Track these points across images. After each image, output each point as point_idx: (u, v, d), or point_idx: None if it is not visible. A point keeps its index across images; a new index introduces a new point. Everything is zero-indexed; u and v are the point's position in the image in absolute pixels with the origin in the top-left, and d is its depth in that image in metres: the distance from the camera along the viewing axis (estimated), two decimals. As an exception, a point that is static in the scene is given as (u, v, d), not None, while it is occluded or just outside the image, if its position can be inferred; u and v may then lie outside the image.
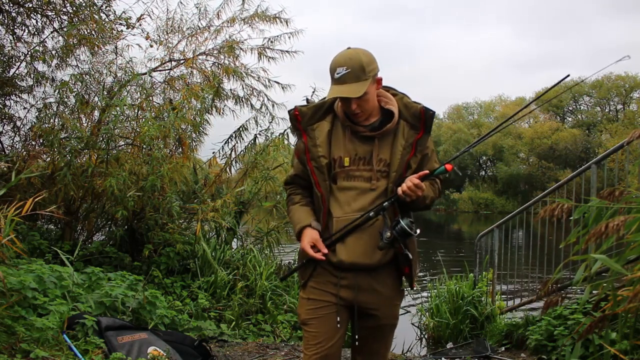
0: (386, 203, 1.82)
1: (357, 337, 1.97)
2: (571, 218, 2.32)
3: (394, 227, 1.80)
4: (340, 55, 1.83)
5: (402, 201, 1.83)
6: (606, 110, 47.12)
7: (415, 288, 2.06)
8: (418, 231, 1.82)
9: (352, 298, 1.91)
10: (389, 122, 1.88)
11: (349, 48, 1.85)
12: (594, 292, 2.95)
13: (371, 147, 1.88)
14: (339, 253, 1.86)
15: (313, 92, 6.44)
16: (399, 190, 1.80)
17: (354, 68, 1.79)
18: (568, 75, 1.64)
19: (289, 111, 1.97)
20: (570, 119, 48.85)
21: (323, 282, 1.92)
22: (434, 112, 1.88)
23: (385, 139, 1.89)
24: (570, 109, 49.08)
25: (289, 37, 6.67)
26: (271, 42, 6.68)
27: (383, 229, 1.82)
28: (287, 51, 6.75)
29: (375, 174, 1.87)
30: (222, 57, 6.40)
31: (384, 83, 1.93)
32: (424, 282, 8.78)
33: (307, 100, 2.07)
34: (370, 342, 2.00)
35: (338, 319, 1.91)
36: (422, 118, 1.87)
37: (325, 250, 1.85)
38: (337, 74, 1.80)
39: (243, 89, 6.65)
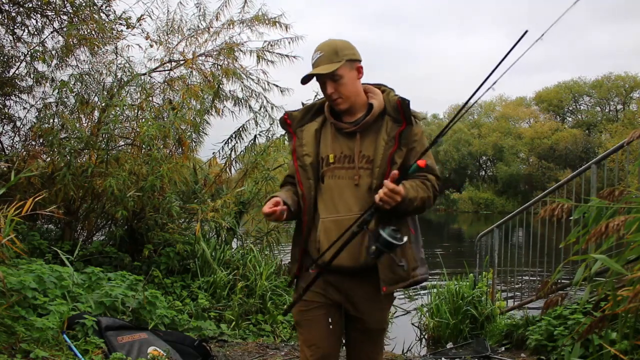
0: (367, 215, 1.73)
1: (344, 340, 1.99)
2: (571, 218, 2.32)
3: (377, 239, 1.70)
4: (318, 44, 1.89)
5: (387, 209, 1.72)
6: (606, 110, 47.14)
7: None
8: (405, 239, 1.71)
9: (340, 299, 1.91)
10: (374, 118, 1.88)
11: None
12: (594, 292, 2.95)
13: (355, 144, 1.88)
14: (325, 255, 1.83)
15: (315, 96, 6.44)
16: (376, 198, 1.71)
17: (327, 51, 1.84)
18: (527, 31, 1.55)
19: (280, 118, 2.02)
20: (570, 119, 48.87)
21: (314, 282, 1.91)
22: (409, 101, 1.84)
23: (369, 135, 1.88)
24: (570, 109, 49.08)
25: (289, 42, 6.68)
26: (271, 45, 6.68)
27: (369, 242, 1.75)
28: (286, 55, 6.76)
29: (358, 171, 1.85)
30: (221, 58, 6.40)
31: (384, 83, 1.94)
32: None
33: (303, 105, 2.08)
34: (359, 344, 1.99)
35: (330, 319, 1.91)
36: (400, 109, 1.84)
37: (281, 209, 1.82)
38: (313, 59, 1.86)
39: (242, 90, 6.67)
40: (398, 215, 1.81)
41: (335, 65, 1.82)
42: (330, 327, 1.91)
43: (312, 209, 1.90)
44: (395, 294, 2.01)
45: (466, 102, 1.74)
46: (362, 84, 1.94)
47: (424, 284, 2.05)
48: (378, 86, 1.97)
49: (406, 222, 1.89)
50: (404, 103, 1.83)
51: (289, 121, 1.98)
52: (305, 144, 1.92)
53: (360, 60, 1.91)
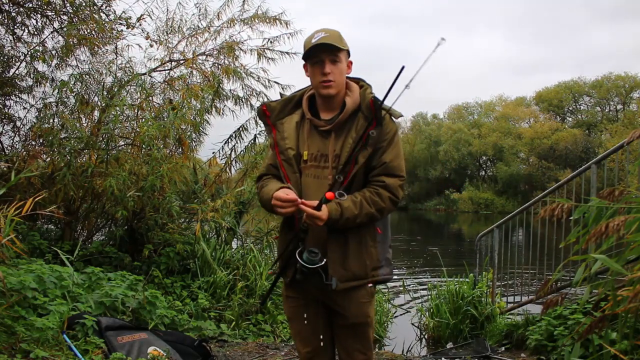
0: (301, 232, 1.80)
1: (317, 332, 1.99)
2: (571, 218, 2.32)
3: (299, 260, 1.78)
4: (320, 28, 1.87)
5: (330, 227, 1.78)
6: (606, 110, 47.10)
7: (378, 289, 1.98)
8: (324, 261, 1.78)
9: (319, 295, 1.93)
10: (347, 116, 1.87)
11: None
12: (594, 292, 2.95)
13: (329, 142, 1.88)
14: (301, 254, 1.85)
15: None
16: (304, 218, 1.77)
17: (332, 34, 1.84)
18: (403, 67, 1.60)
19: (257, 108, 2.01)
20: (570, 119, 48.80)
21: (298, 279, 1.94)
22: (381, 102, 1.79)
23: (342, 133, 1.87)
24: (570, 109, 49.05)
25: (289, 38, 6.67)
26: (271, 42, 6.68)
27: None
28: (287, 52, 6.75)
29: (331, 171, 1.85)
30: (222, 57, 6.40)
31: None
32: (424, 282, 8.78)
33: (281, 95, 2.06)
34: (344, 340, 2.00)
35: (305, 315, 1.95)
36: (372, 109, 1.82)
37: (298, 200, 1.75)
38: (315, 38, 1.82)
39: (243, 89, 6.66)
40: (343, 229, 1.82)
41: (342, 46, 1.83)
42: (306, 321, 1.95)
43: None
44: (371, 288, 1.95)
45: (359, 139, 1.79)
46: None
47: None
48: (356, 81, 1.96)
49: (372, 224, 1.89)
50: (376, 104, 1.81)
51: (267, 112, 1.95)
52: (287, 137, 1.91)
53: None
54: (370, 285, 1.93)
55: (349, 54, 1.90)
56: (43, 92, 5.77)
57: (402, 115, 1.89)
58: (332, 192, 1.72)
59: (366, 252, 1.88)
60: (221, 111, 6.53)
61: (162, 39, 6.16)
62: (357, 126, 1.84)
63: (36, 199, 3.56)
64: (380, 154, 1.83)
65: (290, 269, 1.91)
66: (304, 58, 1.88)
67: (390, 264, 1.98)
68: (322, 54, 1.82)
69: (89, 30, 5.50)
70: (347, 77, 1.94)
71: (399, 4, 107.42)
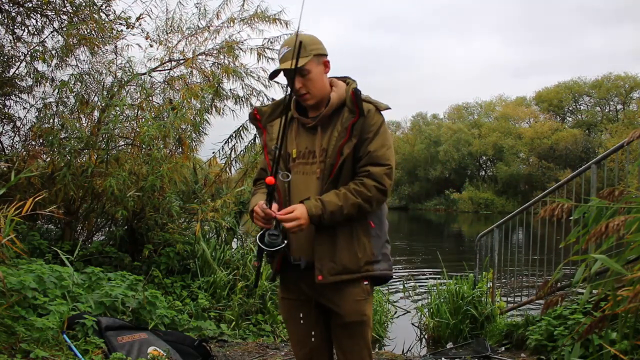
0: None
1: (313, 333, 1.97)
2: (571, 218, 2.32)
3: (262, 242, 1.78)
4: (285, 40, 1.91)
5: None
6: (606, 110, 47.09)
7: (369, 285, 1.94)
8: (285, 243, 1.76)
9: (313, 294, 1.92)
10: (331, 110, 1.89)
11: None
12: (594, 292, 2.95)
13: (316, 138, 1.90)
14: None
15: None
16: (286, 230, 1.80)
17: (295, 46, 1.82)
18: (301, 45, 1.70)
19: (249, 114, 2.04)
20: (570, 119, 48.81)
21: (290, 278, 1.97)
22: (360, 92, 1.84)
23: (329, 128, 1.89)
24: (570, 109, 49.04)
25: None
26: (271, 42, 6.68)
27: None
28: (287, 51, 6.72)
29: (319, 165, 1.87)
30: (221, 57, 6.40)
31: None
32: (424, 282, 8.78)
33: (273, 100, 2.12)
34: (340, 339, 1.98)
35: (301, 315, 1.95)
36: (354, 101, 1.84)
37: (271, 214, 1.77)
38: (280, 54, 1.86)
39: (243, 88, 6.66)
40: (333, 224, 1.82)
41: (303, 60, 1.81)
42: (302, 322, 1.96)
43: (287, 202, 1.90)
44: (367, 286, 1.91)
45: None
46: (329, 77, 1.95)
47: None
48: (343, 79, 1.98)
49: (364, 218, 1.88)
50: (356, 95, 1.84)
51: (258, 116, 2.00)
52: (275, 138, 1.92)
53: (326, 55, 1.91)
54: (365, 282, 1.90)
55: (322, 56, 1.88)
56: (43, 92, 5.75)
57: (388, 108, 1.89)
58: (271, 177, 1.73)
59: (358, 244, 1.86)
60: (221, 111, 6.53)
61: (161, 39, 6.16)
62: (343, 119, 1.86)
63: (36, 199, 3.56)
64: (366, 145, 1.84)
65: (274, 261, 1.93)
66: (270, 79, 1.95)
67: (389, 260, 1.96)
68: (289, 71, 1.82)
69: (88, 30, 5.49)
70: (335, 77, 1.96)
71: (397, 8, 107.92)
